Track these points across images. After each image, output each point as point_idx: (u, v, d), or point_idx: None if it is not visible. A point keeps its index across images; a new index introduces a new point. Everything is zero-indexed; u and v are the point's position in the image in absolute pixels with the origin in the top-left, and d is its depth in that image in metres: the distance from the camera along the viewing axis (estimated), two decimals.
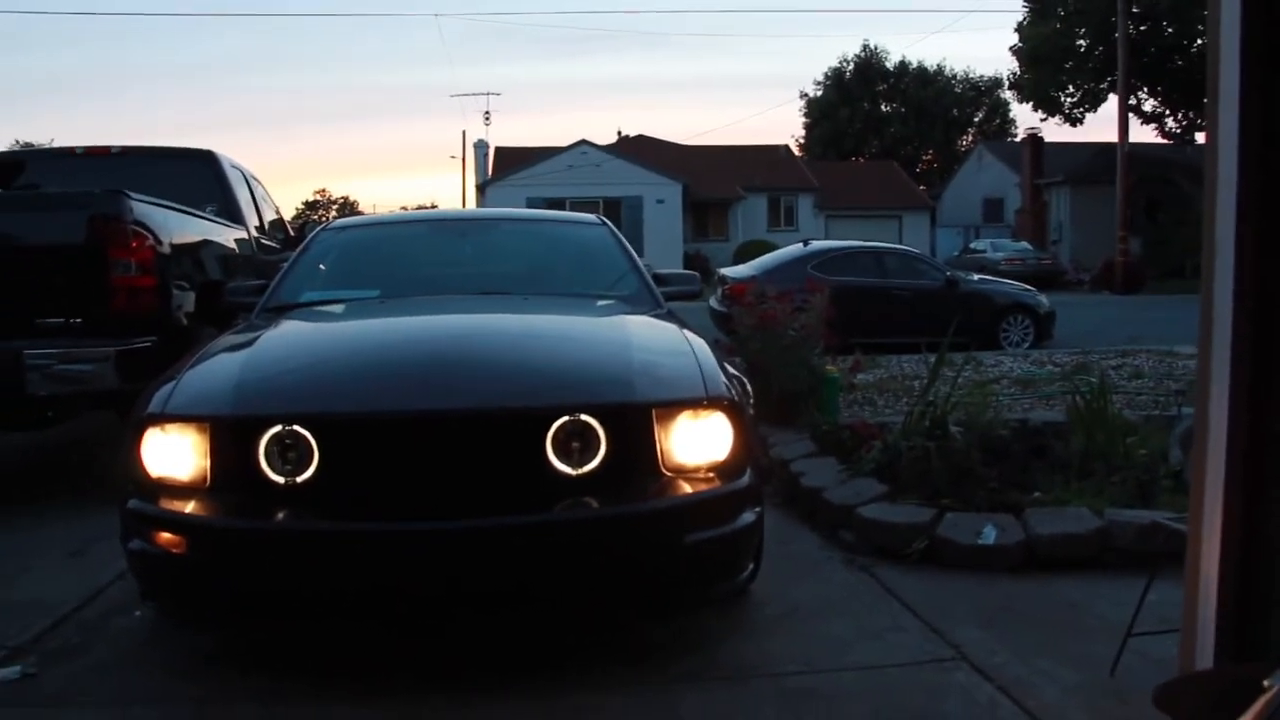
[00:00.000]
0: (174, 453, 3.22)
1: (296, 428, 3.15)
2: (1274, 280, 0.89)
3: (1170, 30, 33.12)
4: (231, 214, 7.76)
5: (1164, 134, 36.57)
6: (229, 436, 3.20)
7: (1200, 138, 34.65)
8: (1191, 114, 34.62)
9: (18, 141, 39.51)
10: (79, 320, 5.44)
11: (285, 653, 3.53)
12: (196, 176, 7.77)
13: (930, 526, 4.49)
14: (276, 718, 3.03)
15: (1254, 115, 0.89)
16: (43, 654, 3.50)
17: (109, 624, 3.80)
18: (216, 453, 3.19)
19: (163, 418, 3.25)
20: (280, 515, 3.15)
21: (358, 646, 3.52)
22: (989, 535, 4.38)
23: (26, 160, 8.89)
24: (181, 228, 6.28)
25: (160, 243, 5.69)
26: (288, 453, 3.16)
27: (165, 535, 3.15)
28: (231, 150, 8.51)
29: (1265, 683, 0.68)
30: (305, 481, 3.15)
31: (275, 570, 3.10)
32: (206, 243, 6.79)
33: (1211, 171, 0.93)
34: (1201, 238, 0.97)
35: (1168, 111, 36.08)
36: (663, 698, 3.14)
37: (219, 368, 3.67)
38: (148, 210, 5.69)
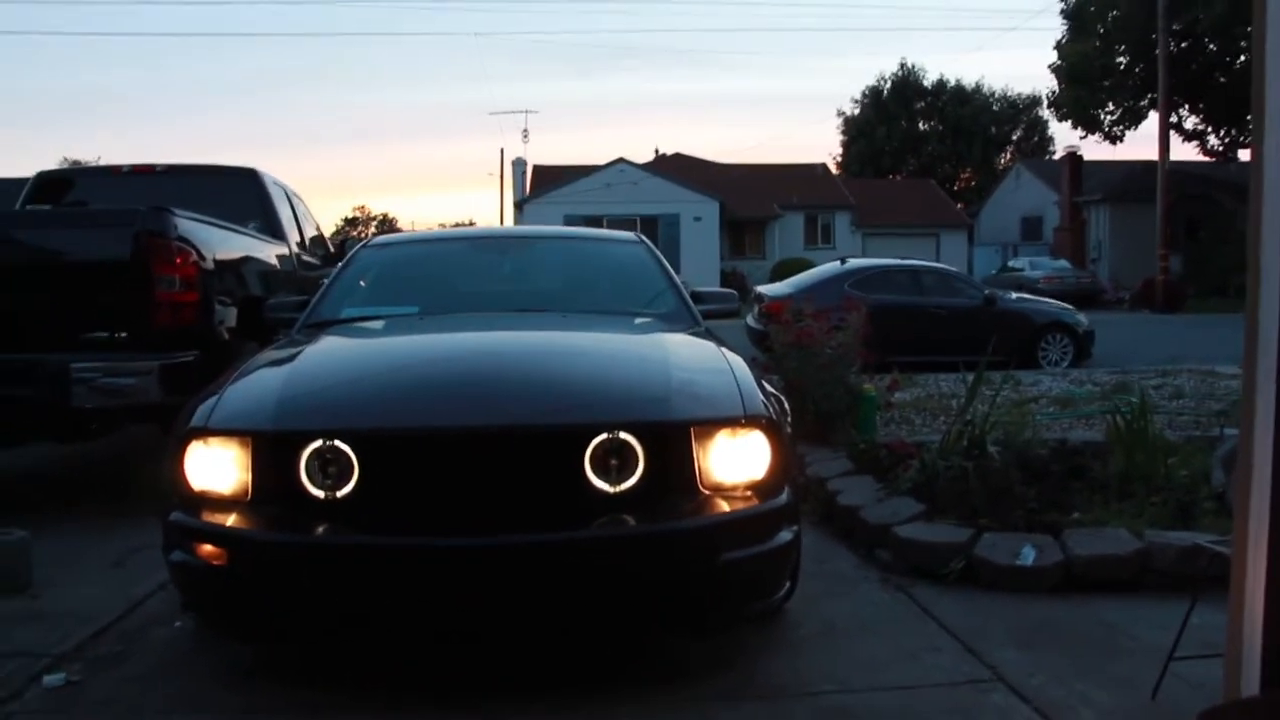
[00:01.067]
0: (216, 466, 3.26)
1: (337, 443, 3.18)
2: None
3: (1212, 46, 32.80)
4: (273, 230, 7.85)
5: (1205, 151, 36.17)
6: (270, 451, 3.24)
7: (1243, 154, 34.29)
8: (1234, 131, 34.23)
9: (66, 159, 40.25)
10: (124, 335, 5.52)
11: (323, 666, 3.55)
12: (239, 193, 7.87)
13: (968, 546, 4.46)
14: None
15: None
16: (86, 662, 3.55)
17: (150, 634, 3.84)
18: (258, 467, 3.22)
19: (206, 431, 3.29)
20: (320, 529, 3.18)
21: (394, 660, 3.55)
22: (1027, 556, 4.35)
23: (74, 178, 9.05)
24: (224, 244, 6.36)
25: (203, 259, 5.77)
26: (328, 467, 3.19)
27: (207, 547, 3.19)
28: (272, 167, 8.62)
29: None
30: (345, 496, 3.18)
31: (315, 584, 3.13)
32: (248, 259, 6.87)
33: (1257, 188, 0.93)
34: (1245, 256, 0.97)
35: (1209, 128, 35.68)
36: (697, 715, 3.14)
37: (261, 382, 3.71)
38: (191, 227, 5.77)
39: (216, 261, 6.04)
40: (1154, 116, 32.64)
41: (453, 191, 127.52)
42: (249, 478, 3.22)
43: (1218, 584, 2.19)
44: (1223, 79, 32.87)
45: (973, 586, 4.34)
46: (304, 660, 3.59)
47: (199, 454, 3.27)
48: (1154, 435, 5.62)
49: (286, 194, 8.76)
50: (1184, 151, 35.85)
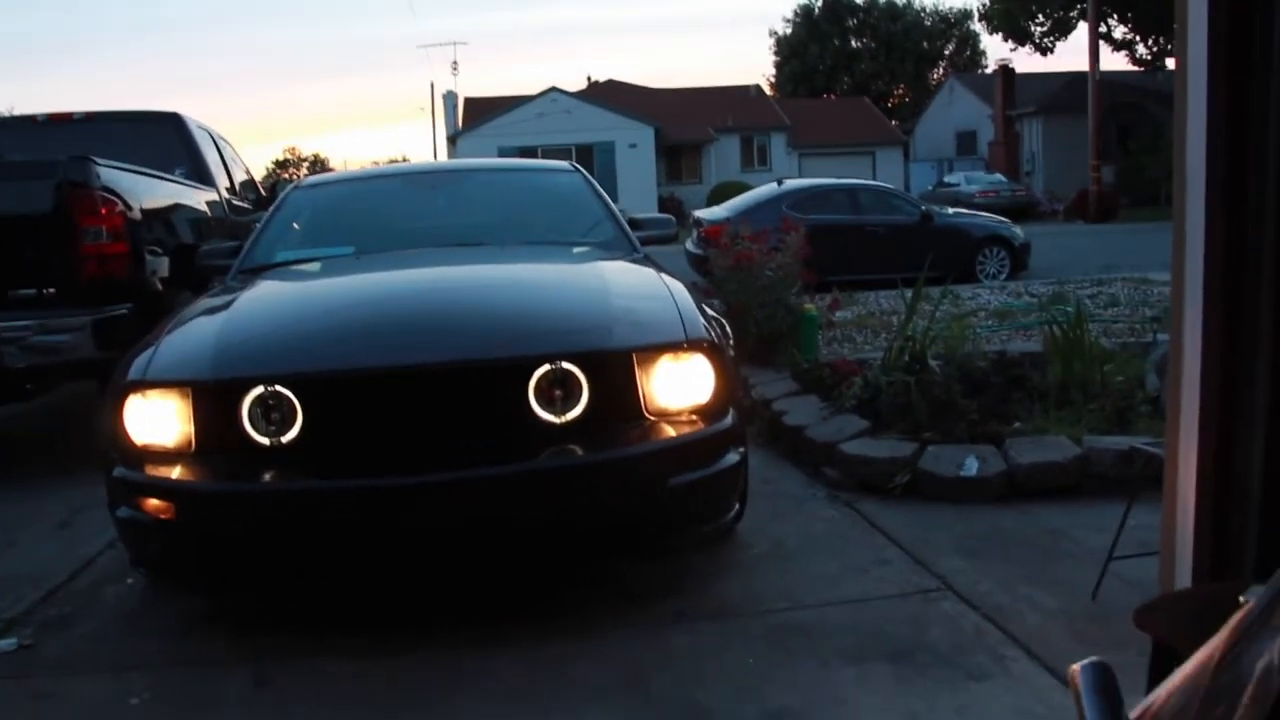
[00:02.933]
0: (157, 419, 3.21)
1: (279, 388, 3.15)
2: (1245, 202, 0.90)
3: None
4: (201, 176, 7.68)
5: (1134, 61, 36.45)
6: (211, 400, 3.20)
7: (1170, 64, 34.61)
8: (1162, 40, 34.49)
9: None
10: (52, 290, 5.40)
11: (277, 614, 3.55)
12: (163, 139, 7.67)
13: (912, 460, 4.54)
14: (271, 677, 3.06)
15: (1222, 36, 0.90)
16: (38, 625, 3.52)
17: (101, 593, 3.81)
18: (199, 417, 3.19)
19: (143, 384, 3.24)
20: (267, 476, 3.17)
21: (348, 604, 3.55)
22: (971, 467, 4.43)
23: None
24: (151, 192, 6.22)
25: (130, 208, 5.64)
26: (271, 414, 3.16)
27: (152, 501, 3.16)
28: (196, 111, 8.41)
29: (1241, 598, 0.69)
30: (290, 442, 3.16)
31: (264, 531, 3.12)
32: (177, 206, 6.72)
33: (1181, 96, 0.94)
34: (1173, 164, 0.98)
35: (1138, 38, 35.92)
36: (652, 638, 3.19)
37: (198, 332, 3.65)
38: (115, 176, 5.63)
39: (144, 210, 5.90)
40: (1084, 27, 32.77)
41: (384, 128, 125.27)
42: (191, 429, 3.19)
43: (1154, 485, 2.25)
44: None
45: (919, 499, 4.42)
46: (257, 609, 3.58)
47: (138, 407, 3.22)
48: (1090, 344, 5.73)
49: (212, 138, 8.56)
50: (1114, 62, 36.14)
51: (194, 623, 3.51)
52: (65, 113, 7.74)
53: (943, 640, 3.10)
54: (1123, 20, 35.35)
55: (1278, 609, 0.64)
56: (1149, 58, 35.90)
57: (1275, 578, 0.66)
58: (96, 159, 5.48)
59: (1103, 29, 33.29)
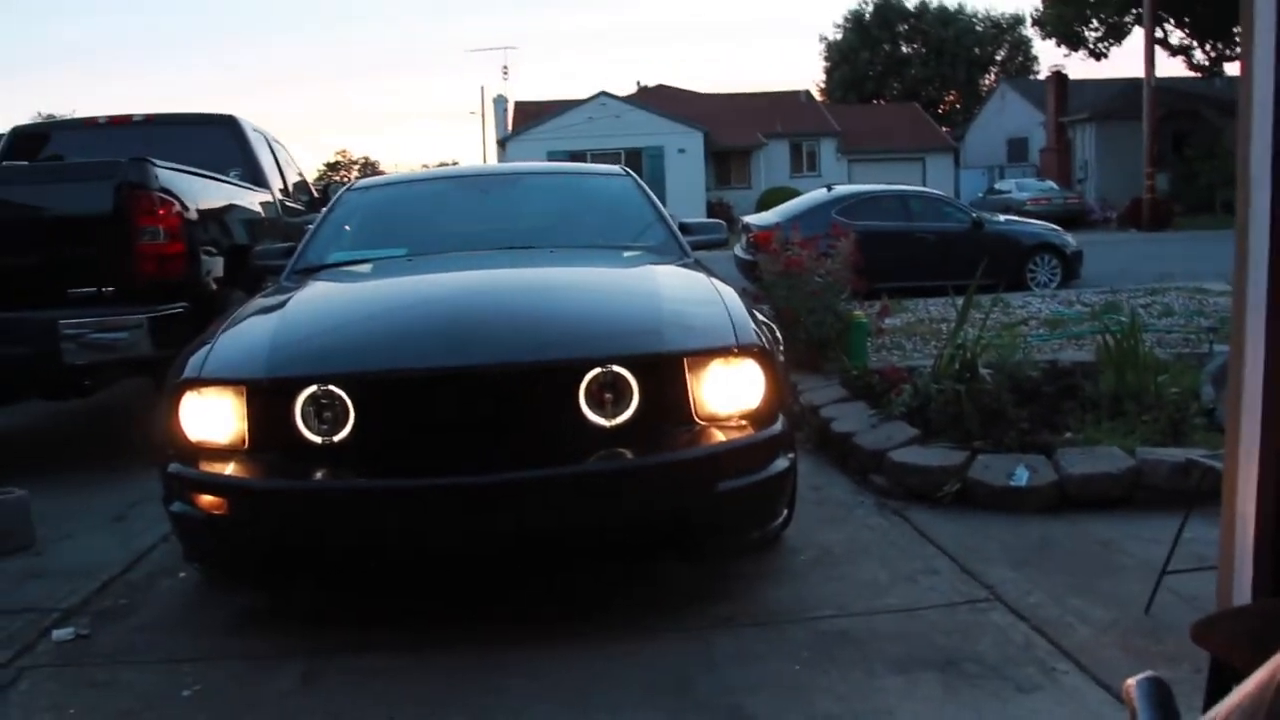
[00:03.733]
0: (212, 416, 3.26)
1: (332, 388, 3.19)
2: None
3: None
4: (255, 178, 7.78)
5: (1191, 66, 35.85)
6: (265, 398, 3.24)
7: (1229, 69, 34.01)
8: (1220, 44, 33.92)
9: (40, 113, 39.65)
10: (111, 289, 5.50)
11: (327, 610, 3.59)
12: (220, 142, 7.79)
13: (962, 469, 4.50)
14: (319, 672, 3.09)
15: None
16: (93, 616, 3.59)
17: (155, 586, 3.88)
18: (253, 415, 3.23)
19: (199, 382, 3.29)
20: (319, 474, 3.20)
21: (398, 602, 3.59)
22: (1021, 476, 4.39)
23: (50, 131, 8.94)
24: (207, 193, 6.31)
25: (187, 209, 5.73)
26: (324, 412, 3.20)
27: (206, 497, 3.21)
28: (251, 113, 8.53)
29: None
30: (342, 440, 3.20)
31: (315, 529, 3.16)
32: (232, 207, 6.82)
33: (1245, 102, 0.93)
34: (1232, 171, 0.97)
35: (1195, 42, 35.35)
36: (698, 643, 3.19)
37: (252, 331, 3.70)
38: (173, 177, 5.73)
39: (200, 211, 6.00)
40: (1139, 31, 32.30)
41: (435, 131, 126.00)
42: (245, 426, 3.23)
43: (1209, 499, 2.22)
44: None
45: (968, 508, 4.38)
46: (308, 606, 3.62)
47: (194, 404, 3.27)
48: (1144, 354, 5.65)
49: (267, 140, 8.67)
50: (1170, 67, 35.59)
51: (245, 618, 3.56)
52: (125, 115, 7.89)
53: (991, 651, 3.08)
54: (1179, 25, 34.81)
55: None
56: (1206, 63, 35.32)
57: None
58: (155, 161, 5.57)
59: (1159, 34, 32.81)
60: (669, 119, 38.10)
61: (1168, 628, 3.12)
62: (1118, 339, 5.65)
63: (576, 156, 30.98)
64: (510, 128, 40.56)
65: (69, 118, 8.52)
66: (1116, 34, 36.37)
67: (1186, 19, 34.14)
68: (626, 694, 2.90)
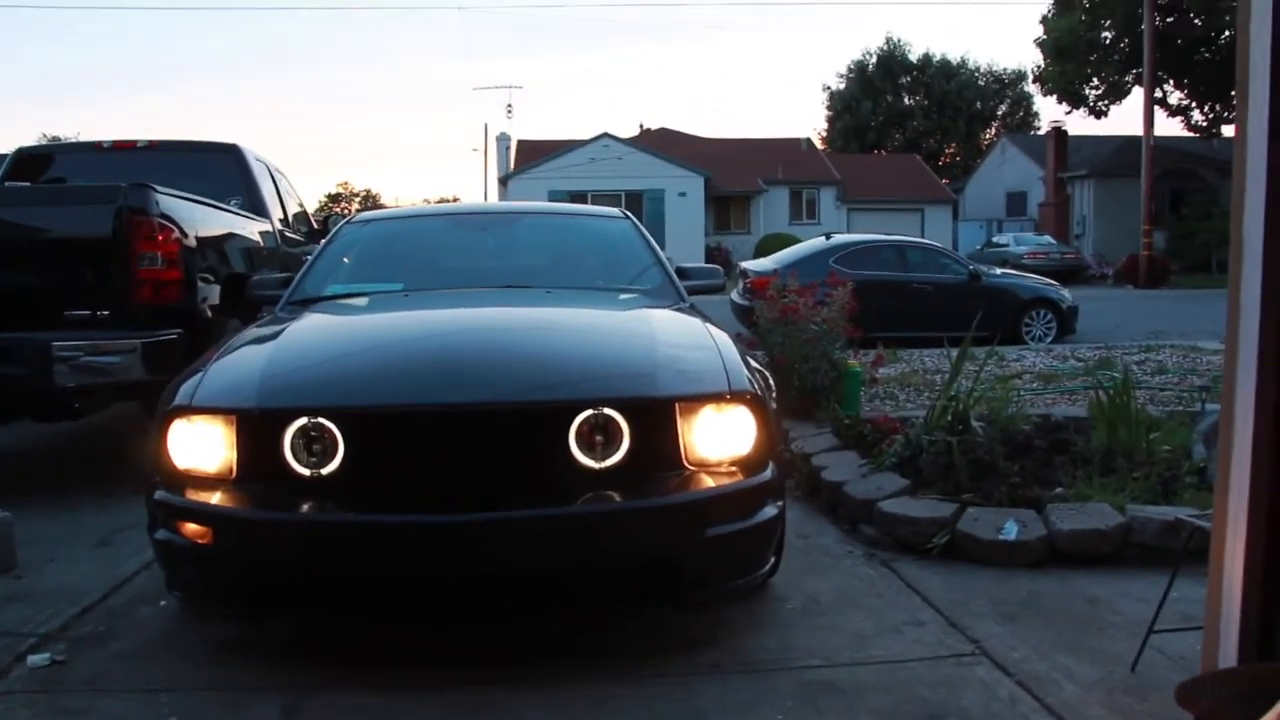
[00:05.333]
0: (200, 444, 3.25)
1: (322, 420, 3.18)
2: None
3: (1197, 22, 32.73)
4: (256, 207, 7.81)
5: (1190, 127, 36.14)
6: (255, 429, 3.23)
7: (1227, 130, 34.31)
8: (1218, 106, 34.22)
9: (44, 135, 39.88)
10: (106, 312, 5.49)
11: (309, 644, 3.56)
12: (221, 170, 7.83)
13: (951, 521, 4.49)
14: (300, 707, 3.05)
15: None
16: (71, 642, 3.55)
17: (135, 613, 3.84)
18: (242, 445, 3.22)
19: (189, 410, 3.28)
20: (305, 507, 3.18)
21: (380, 637, 3.56)
22: (1010, 530, 4.37)
23: (54, 154, 8.97)
24: (206, 221, 6.33)
25: (185, 235, 5.74)
26: (313, 445, 3.19)
27: (191, 526, 3.19)
28: (254, 143, 8.58)
29: None
30: (330, 474, 3.18)
31: (300, 562, 3.14)
32: (231, 235, 6.84)
33: (1240, 164, 0.93)
34: (1227, 231, 0.98)
35: (1194, 104, 35.67)
36: (682, 689, 3.16)
37: (245, 360, 3.70)
38: (173, 204, 5.74)
39: (199, 238, 6.01)
40: (1138, 92, 32.61)
41: (436, 167, 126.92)
42: (233, 456, 3.22)
43: (1198, 558, 2.21)
44: (1207, 54, 32.85)
45: (956, 561, 4.37)
46: (289, 639, 3.59)
47: (182, 432, 3.26)
48: (1136, 410, 5.65)
49: (269, 170, 8.71)
50: (1168, 127, 35.90)
51: (226, 649, 3.52)
52: (129, 140, 7.92)
53: (976, 706, 3.05)
54: (1178, 86, 35.14)
55: None
56: (1204, 124, 35.62)
57: None
58: (156, 186, 5.59)
59: (1158, 94, 33.13)
60: (670, 162, 38.35)
61: (1154, 687, 3.10)
62: (1110, 395, 5.66)
63: (577, 197, 31.12)
64: (512, 166, 40.79)
65: (73, 141, 8.55)
66: (1117, 93, 36.71)
67: (1185, 80, 34.48)
68: None
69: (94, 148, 8.11)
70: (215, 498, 3.19)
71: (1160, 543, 4.23)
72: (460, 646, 3.50)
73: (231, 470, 3.22)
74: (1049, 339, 13.81)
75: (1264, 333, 0.92)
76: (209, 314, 6.04)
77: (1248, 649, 0.95)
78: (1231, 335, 0.94)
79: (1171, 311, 17.45)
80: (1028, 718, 2.98)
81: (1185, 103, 35.75)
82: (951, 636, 3.60)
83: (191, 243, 5.84)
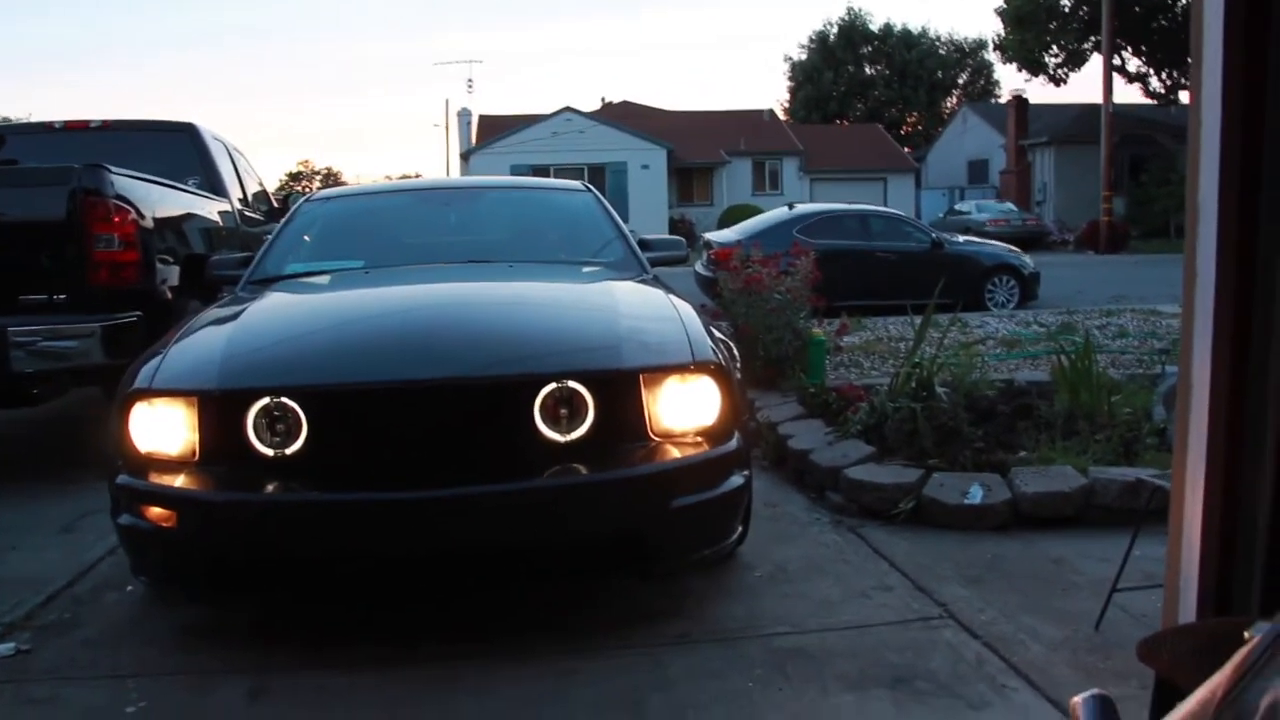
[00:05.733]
0: (162, 427, 3.22)
1: (285, 400, 3.15)
2: (1257, 236, 0.90)
3: None
4: (214, 186, 7.71)
5: (1148, 94, 36.45)
6: (217, 410, 3.20)
7: (1184, 97, 34.59)
8: (1176, 73, 34.51)
9: None
10: (63, 296, 5.41)
11: (275, 625, 3.55)
12: (178, 150, 7.71)
13: (917, 487, 4.53)
14: (267, 688, 3.05)
15: (1237, 74, 0.90)
16: (36, 630, 3.51)
17: (101, 599, 3.81)
18: (205, 426, 3.19)
19: (150, 393, 3.24)
20: (270, 487, 3.16)
21: (345, 617, 3.55)
22: (975, 495, 4.42)
23: (4, 136, 8.81)
24: (164, 201, 6.24)
25: (143, 216, 5.66)
26: (276, 425, 3.16)
27: (155, 510, 3.16)
28: (212, 122, 8.46)
29: (1246, 634, 0.69)
30: (295, 453, 3.16)
31: (266, 542, 3.12)
32: (190, 216, 6.75)
33: (1195, 130, 0.94)
34: (1185, 196, 0.98)
35: (1152, 71, 35.95)
36: (652, 659, 3.17)
37: (205, 341, 3.66)
38: (129, 184, 5.66)
39: (156, 219, 5.93)
40: (1098, 59, 32.80)
41: (398, 144, 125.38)
42: (196, 438, 3.19)
43: (1160, 517, 2.24)
44: (1165, 21, 33.09)
45: (923, 526, 4.41)
46: (255, 621, 3.58)
47: (144, 415, 3.22)
48: (1098, 374, 5.72)
49: (227, 149, 8.60)
50: (1127, 94, 36.19)
51: (192, 632, 3.51)
52: (82, 120, 7.79)
53: (943, 668, 3.09)
54: (1137, 53, 35.39)
55: None
56: (1162, 91, 35.93)
57: None
58: (111, 167, 5.51)
59: (1117, 61, 33.34)
60: (633, 135, 38.20)
61: (1117, 645, 3.15)
62: (1072, 359, 5.72)
63: (540, 171, 30.97)
64: (474, 141, 40.48)
65: (23, 121, 8.39)
66: (1076, 60, 36.92)
67: (1144, 47, 34.73)
68: (579, 710, 2.88)
69: (45, 128, 7.97)
70: (178, 480, 3.16)
71: (1122, 503, 4.29)
72: (425, 624, 3.50)
73: (194, 452, 3.19)
74: (1011, 305, 13.91)
75: (1219, 295, 0.92)
76: (168, 295, 5.96)
77: (1206, 605, 0.97)
78: (1188, 298, 0.95)
79: (1132, 276, 17.63)
80: (994, 678, 3.02)
81: (1144, 70, 36.03)
82: (918, 600, 3.63)
83: (149, 224, 5.76)
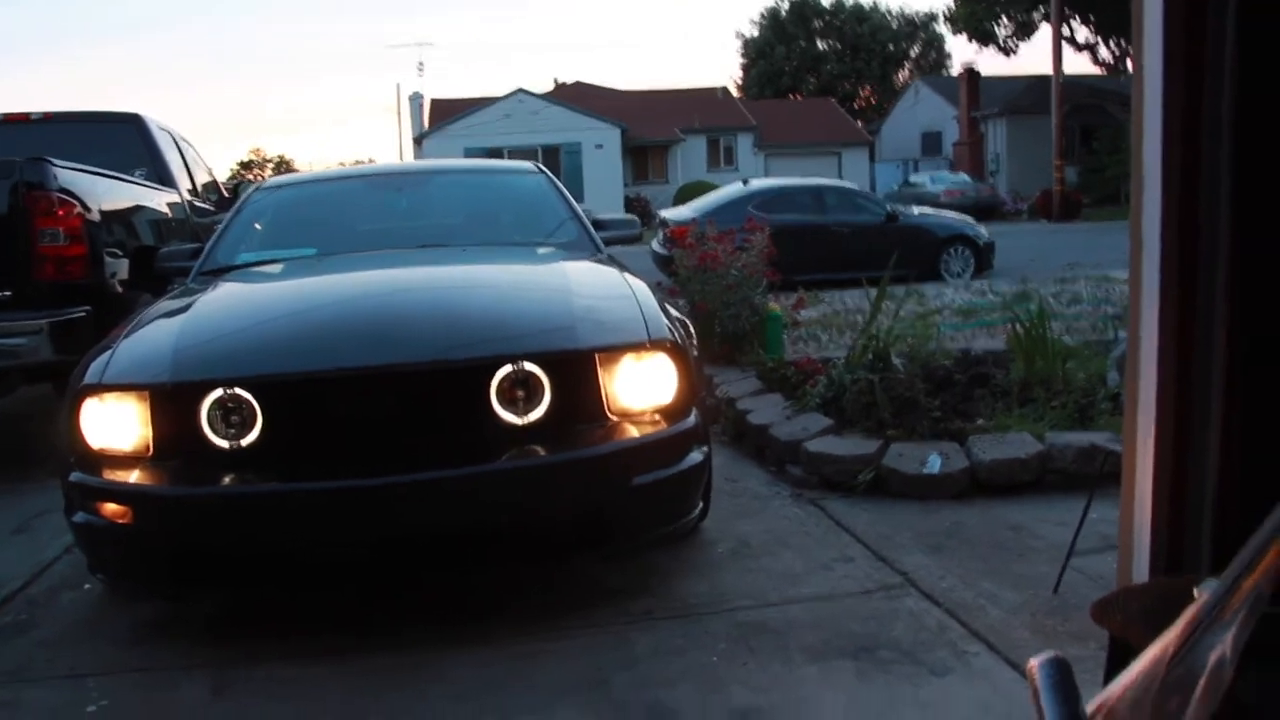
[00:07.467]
0: (114, 423, 3.17)
1: (238, 391, 3.12)
2: (1198, 202, 0.91)
3: None
4: (162, 177, 7.60)
5: (1097, 62, 36.77)
6: (169, 403, 3.16)
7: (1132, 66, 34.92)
8: (1124, 42, 34.81)
9: None
10: (9, 293, 5.32)
11: (234, 619, 3.52)
12: (123, 140, 7.60)
13: (876, 458, 4.56)
14: (229, 683, 3.02)
15: (1177, 41, 0.90)
16: None
17: (58, 599, 3.76)
18: (158, 420, 3.15)
19: (100, 388, 3.20)
20: (226, 479, 3.13)
21: (303, 608, 3.53)
22: (934, 464, 4.45)
23: None
24: (110, 194, 6.15)
25: (89, 210, 5.57)
26: (230, 416, 3.13)
27: (110, 506, 3.12)
28: (158, 111, 8.33)
29: (1195, 591, 0.70)
30: (250, 444, 3.13)
31: (223, 535, 3.09)
32: (138, 208, 6.66)
33: (1138, 97, 0.95)
34: (1131, 164, 0.99)
35: (1100, 40, 36.26)
36: (618, 639, 3.18)
37: (156, 334, 3.61)
38: (73, 177, 5.57)
39: (103, 212, 5.84)
40: (1047, 29, 33.03)
41: (350, 129, 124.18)
42: (149, 432, 3.15)
43: (1115, 481, 2.27)
44: None
45: (882, 496, 4.44)
46: (214, 615, 3.55)
47: (95, 411, 3.18)
48: (1053, 341, 5.77)
49: (174, 139, 8.48)
50: (1077, 64, 36.47)
51: (151, 629, 3.47)
52: (22, 113, 7.64)
53: (905, 636, 3.11)
54: (1085, 23, 35.65)
55: (1230, 602, 0.64)
56: (1111, 60, 36.24)
57: (1228, 571, 0.66)
58: (54, 160, 5.41)
59: (1066, 31, 33.58)
60: (586, 115, 38.05)
61: (1075, 607, 3.19)
62: (1027, 327, 5.76)
63: (494, 153, 30.78)
64: (427, 125, 40.16)
65: None
66: (1025, 31, 37.16)
67: (1091, 17, 34.98)
68: (544, 692, 2.88)
69: None
70: (133, 476, 3.12)
71: (1078, 468, 4.34)
72: (388, 612, 3.48)
73: (148, 447, 3.15)
74: (967, 275, 14.01)
75: (1165, 260, 0.93)
76: (118, 289, 5.87)
77: (1158, 564, 0.98)
78: (1135, 263, 0.96)
79: (1084, 244, 17.80)
80: (955, 644, 3.05)
81: (1092, 40, 36.31)
82: (880, 570, 3.66)
83: (95, 217, 5.67)
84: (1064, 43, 32.10)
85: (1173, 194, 0.93)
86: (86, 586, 3.77)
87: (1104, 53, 36.28)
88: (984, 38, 37.74)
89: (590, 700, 2.82)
